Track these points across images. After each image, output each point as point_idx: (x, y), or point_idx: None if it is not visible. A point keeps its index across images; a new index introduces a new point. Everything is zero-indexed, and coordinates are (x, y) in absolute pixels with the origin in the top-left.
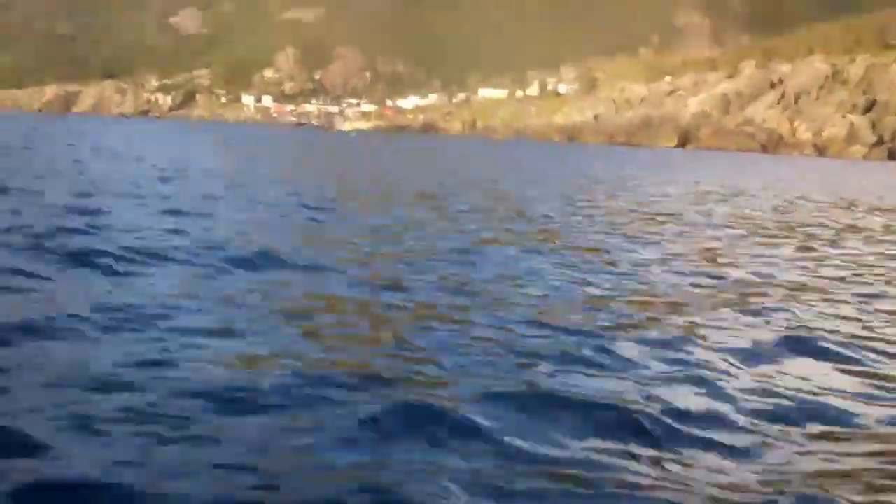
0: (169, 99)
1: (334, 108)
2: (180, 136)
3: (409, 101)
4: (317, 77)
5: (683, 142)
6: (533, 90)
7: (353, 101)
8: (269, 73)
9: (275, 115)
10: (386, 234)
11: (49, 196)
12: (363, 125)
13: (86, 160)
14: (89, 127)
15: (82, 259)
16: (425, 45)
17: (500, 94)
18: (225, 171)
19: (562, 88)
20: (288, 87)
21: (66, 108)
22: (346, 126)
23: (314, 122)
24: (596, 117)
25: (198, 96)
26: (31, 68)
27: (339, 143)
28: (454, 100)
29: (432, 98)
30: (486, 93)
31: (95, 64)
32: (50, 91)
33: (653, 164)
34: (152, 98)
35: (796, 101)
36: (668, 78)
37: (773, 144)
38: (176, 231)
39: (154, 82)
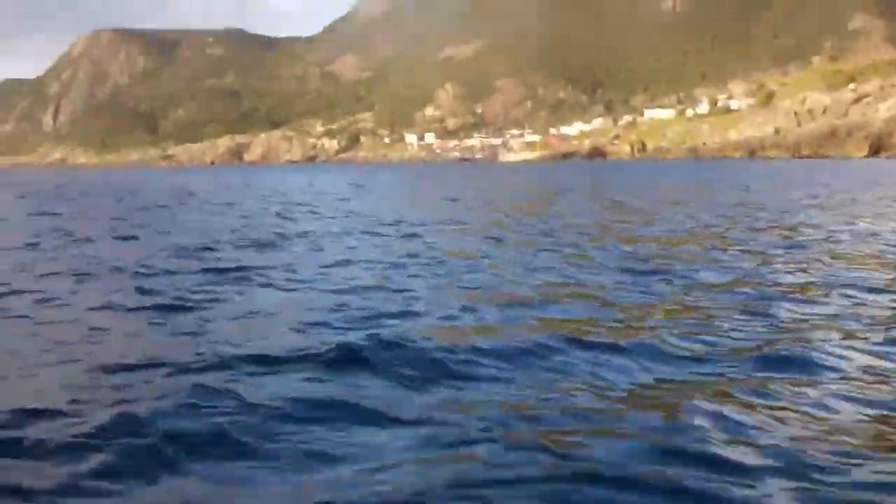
0: (335, 143)
1: (497, 141)
2: (375, 178)
3: (573, 128)
4: (478, 111)
5: (876, 150)
6: (702, 108)
7: (516, 131)
8: (430, 111)
9: (438, 151)
10: None
11: None
12: (528, 155)
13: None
14: (281, 177)
15: None
16: (586, 69)
17: (667, 113)
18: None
19: (733, 104)
20: (450, 122)
21: (237, 158)
22: (511, 157)
23: (478, 155)
24: (777, 131)
25: (362, 138)
26: (203, 122)
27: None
28: (620, 122)
29: (597, 122)
30: (652, 113)
31: (262, 115)
32: (222, 143)
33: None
34: (318, 143)
35: None
36: (851, 85)
37: None
38: None
39: (319, 128)
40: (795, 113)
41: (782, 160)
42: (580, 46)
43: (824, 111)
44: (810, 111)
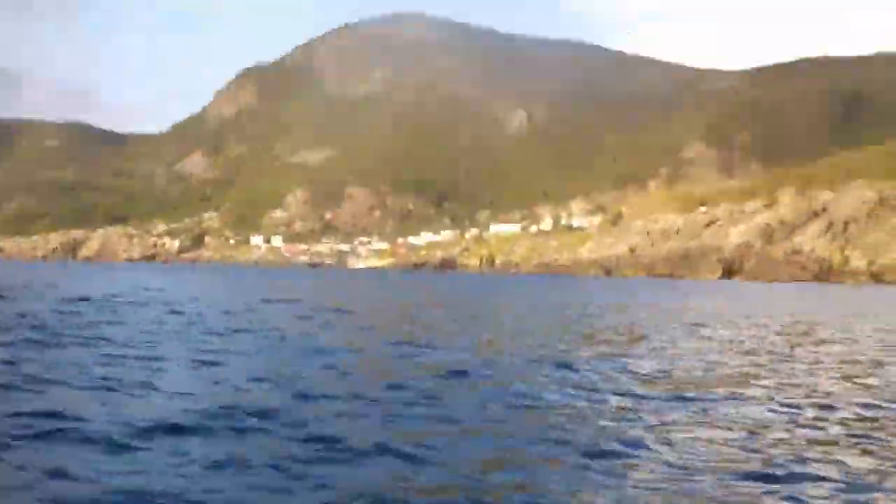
0: (176, 243)
1: (346, 247)
2: (233, 281)
3: (421, 238)
4: (327, 216)
5: (728, 273)
6: (546, 224)
7: (365, 238)
8: (278, 214)
9: (287, 254)
10: None
11: None
12: (376, 262)
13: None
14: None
15: None
16: (433, 183)
17: (512, 229)
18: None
19: (575, 222)
20: (298, 226)
21: (71, 254)
22: (360, 264)
23: (327, 260)
24: (632, 250)
25: (207, 239)
26: (36, 216)
27: (389, 283)
28: (466, 235)
29: (444, 234)
30: (497, 228)
31: (102, 212)
32: (55, 238)
33: (736, 297)
34: (159, 242)
35: (845, 229)
36: (702, 208)
37: (825, 274)
38: None
39: (161, 226)
40: (648, 233)
41: (637, 279)
42: (429, 160)
43: (677, 232)
44: (663, 232)
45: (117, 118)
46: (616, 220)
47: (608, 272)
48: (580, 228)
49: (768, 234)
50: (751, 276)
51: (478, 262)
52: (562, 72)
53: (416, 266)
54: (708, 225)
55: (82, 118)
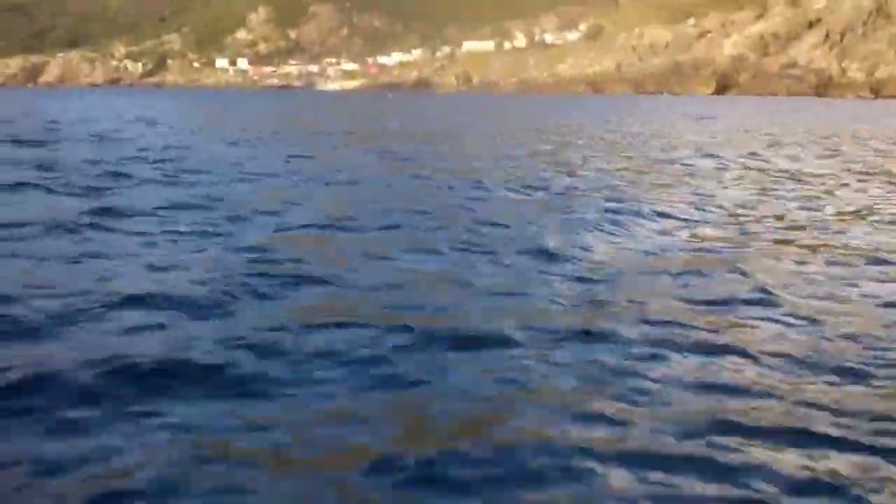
0: (139, 66)
1: (314, 68)
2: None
3: (392, 58)
4: (292, 36)
5: (722, 88)
6: (520, 42)
7: (333, 59)
8: (242, 35)
9: (255, 78)
10: None
11: None
12: (348, 84)
13: None
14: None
15: None
16: None
17: (486, 46)
18: None
19: (549, 38)
20: (263, 47)
21: (31, 80)
22: (331, 86)
23: (296, 83)
24: (618, 66)
25: (169, 62)
26: None
27: (388, 104)
28: (438, 54)
29: (416, 53)
30: (470, 46)
31: (59, 34)
32: (14, 63)
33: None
34: (121, 66)
35: (842, 39)
36: (691, 20)
37: (823, 87)
38: None
39: (122, 49)
40: (633, 48)
41: (626, 95)
42: None
43: (666, 46)
44: (651, 46)
45: None
46: (596, 34)
47: (596, 89)
48: (555, 45)
49: (763, 47)
50: (746, 91)
51: (454, 82)
52: None
53: (392, 86)
54: (699, 37)
55: None
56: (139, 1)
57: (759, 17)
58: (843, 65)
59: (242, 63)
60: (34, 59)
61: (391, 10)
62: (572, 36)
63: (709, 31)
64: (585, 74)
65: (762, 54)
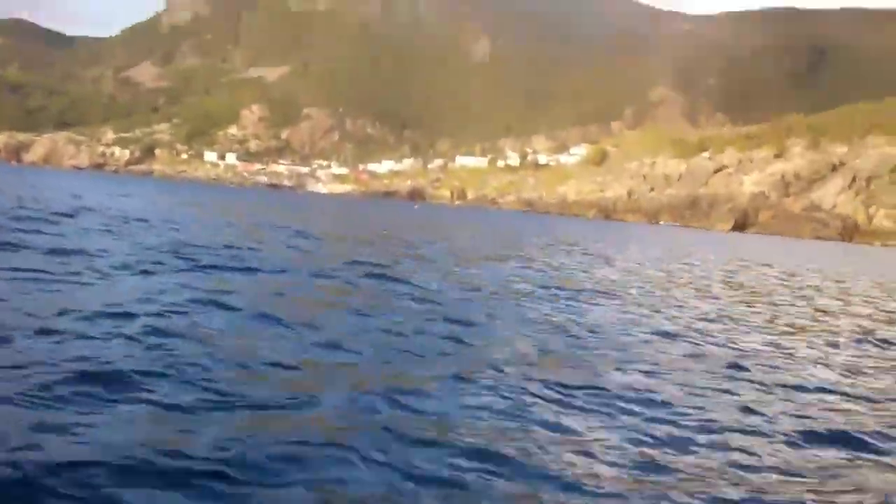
0: (126, 153)
1: (304, 169)
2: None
3: (383, 166)
4: (283, 136)
5: (741, 225)
6: (513, 160)
7: (324, 162)
8: (233, 131)
9: (245, 174)
10: None
11: None
12: (339, 188)
13: None
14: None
15: None
16: (393, 109)
17: (478, 162)
18: None
19: (542, 159)
20: (253, 145)
21: (15, 157)
22: (322, 188)
23: (286, 182)
24: (630, 194)
25: (157, 151)
26: None
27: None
28: (430, 165)
29: (407, 163)
30: (464, 161)
31: (50, 114)
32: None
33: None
34: (108, 151)
35: (868, 185)
36: (706, 154)
37: (848, 232)
38: None
39: (111, 135)
40: (644, 176)
41: (642, 224)
42: (389, 85)
43: (679, 178)
44: (667, 176)
45: (62, 20)
46: (602, 159)
47: (607, 216)
48: (549, 166)
49: (784, 186)
50: (767, 230)
51: (449, 195)
52: (528, 2)
53: (387, 195)
54: (716, 172)
55: (28, 18)
56: (135, 89)
57: (778, 156)
58: (870, 211)
59: (230, 158)
60: (21, 136)
61: (383, 119)
62: (567, 158)
63: (725, 167)
64: (593, 199)
65: (783, 194)
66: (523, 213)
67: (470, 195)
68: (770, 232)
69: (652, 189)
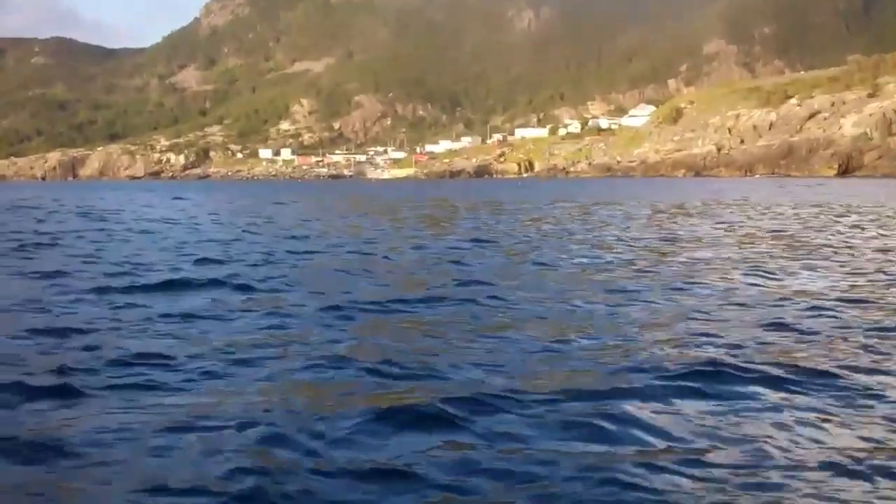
0: (182, 158)
1: (361, 157)
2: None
3: (441, 146)
4: (335, 126)
5: (845, 169)
6: (574, 127)
7: (380, 148)
8: (285, 126)
9: (304, 167)
10: None
11: None
12: (400, 172)
13: None
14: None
15: None
16: (443, 88)
17: (538, 132)
18: None
19: (603, 123)
20: (306, 138)
21: (71, 173)
22: (384, 175)
23: (345, 171)
24: (719, 148)
25: (212, 153)
26: (30, 134)
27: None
28: (489, 141)
29: (465, 141)
30: (523, 132)
31: (98, 128)
32: (53, 157)
33: None
34: (163, 158)
35: None
36: (793, 100)
37: None
38: None
39: (164, 142)
40: (729, 129)
41: (732, 180)
42: (436, 65)
43: (770, 127)
44: (756, 127)
45: (103, 35)
46: (677, 116)
47: (697, 173)
48: (610, 130)
49: (886, 126)
50: (874, 172)
51: (516, 168)
52: None
53: (452, 174)
54: (810, 117)
55: (68, 35)
56: (181, 94)
57: (873, 95)
58: None
59: (285, 153)
60: (73, 152)
61: (434, 99)
62: (630, 120)
63: (818, 112)
64: (679, 158)
65: (887, 133)
66: (605, 178)
67: (538, 167)
68: (881, 174)
69: (742, 141)
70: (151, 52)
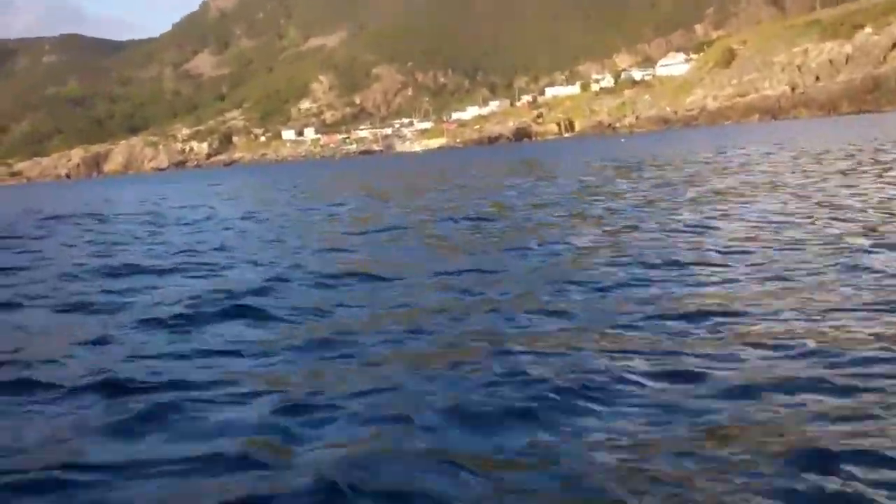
0: (205, 146)
1: (388, 130)
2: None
3: (468, 112)
4: (357, 101)
5: None
6: (607, 81)
7: (406, 120)
8: (305, 105)
9: (332, 145)
10: None
11: None
12: (431, 143)
13: None
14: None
15: None
16: (461, 53)
17: (570, 90)
18: None
19: (636, 75)
20: (328, 115)
21: (95, 169)
22: (415, 147)
23: (374, 146)
24: (793, 88)
25: (235, 138)
26: (50, 132)
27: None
28: (517, 104)
29: (493, 105)
30: (553, 91)
31: (116, 121)
32: (76, 154)
33: None
34: (186, 147)
35: None
36: (868, 28)
37: None
38: None
39: (185, 131)
40: (799, 66)
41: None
42: (452, 30)
43: (846, 61)
44: (831, 62)
45: (110, 28)
46: (731, 58)
47: (773, 116)
48: (644, 81)
49: None
50: None
51: (556, 128)
52: None
53: (491, 140)
54: (891, 48)
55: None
56: (197, 81)
57: None
58: None
59: (309, 133)
60: (95, 148)
61: (454, 65)
62: (664, 70)
63: None
64: (749, 101)
65: None
66: (667, 131)
67: (578, 125)
68: None
69: (817, 79)
70: (162, 41)
